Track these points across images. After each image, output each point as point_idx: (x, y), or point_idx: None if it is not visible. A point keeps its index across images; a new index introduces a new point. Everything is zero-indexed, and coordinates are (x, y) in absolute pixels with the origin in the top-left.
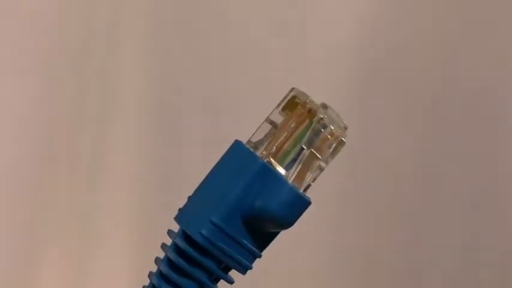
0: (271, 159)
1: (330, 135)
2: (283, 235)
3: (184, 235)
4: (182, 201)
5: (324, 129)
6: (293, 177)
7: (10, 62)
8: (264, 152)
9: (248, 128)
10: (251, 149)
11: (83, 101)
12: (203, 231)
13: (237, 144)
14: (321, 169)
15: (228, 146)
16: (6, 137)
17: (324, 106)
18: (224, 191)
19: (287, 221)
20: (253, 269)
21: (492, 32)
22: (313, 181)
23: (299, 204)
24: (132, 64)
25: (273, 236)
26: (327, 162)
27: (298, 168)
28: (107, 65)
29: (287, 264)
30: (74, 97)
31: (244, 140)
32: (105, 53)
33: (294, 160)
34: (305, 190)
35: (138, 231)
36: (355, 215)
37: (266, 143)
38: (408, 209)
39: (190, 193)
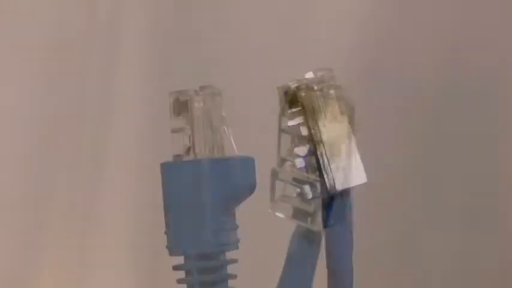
0: None
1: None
2: (282, 234)
3: None
4: None
5: None
6: None
7: (10, 61)
8: None
9: (248, 128)
10: None
11: (83, 101)
12: None
13: None
14: None
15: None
16: (6, 137)
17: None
18: None
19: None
20: (251, 267)
21: (493, 31)
22: None
23: None
24: (132, 64)
25: None
26: None
27: None
28: (107, 64)
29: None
30: (74, 97)
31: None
32: (105, 53)
33: None
34: None
35: (137, 232)
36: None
37: None
38: (407, 208)
39: None
